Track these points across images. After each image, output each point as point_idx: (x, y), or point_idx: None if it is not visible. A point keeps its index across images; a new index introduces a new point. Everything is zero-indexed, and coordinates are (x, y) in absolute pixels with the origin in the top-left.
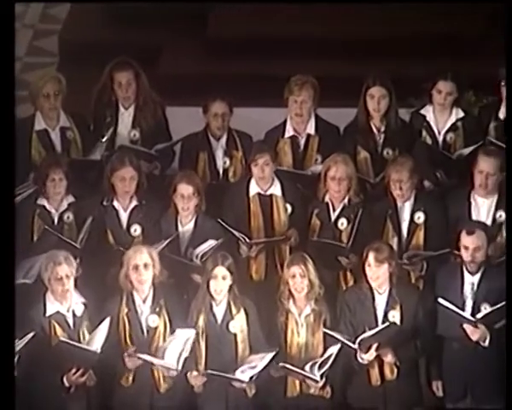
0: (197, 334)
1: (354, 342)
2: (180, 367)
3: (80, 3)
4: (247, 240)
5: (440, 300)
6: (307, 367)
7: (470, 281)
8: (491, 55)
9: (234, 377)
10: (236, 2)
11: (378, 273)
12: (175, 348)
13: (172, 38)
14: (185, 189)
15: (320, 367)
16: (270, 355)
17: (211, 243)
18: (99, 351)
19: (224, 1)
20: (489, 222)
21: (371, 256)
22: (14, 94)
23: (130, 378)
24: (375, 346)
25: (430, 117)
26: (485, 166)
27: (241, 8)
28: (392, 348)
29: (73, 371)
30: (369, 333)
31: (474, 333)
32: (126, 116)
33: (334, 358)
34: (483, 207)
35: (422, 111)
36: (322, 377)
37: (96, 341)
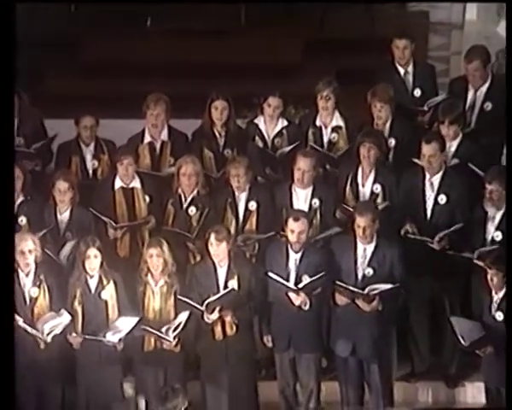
0: (75, 303)
1: (201, 305)
2: (49, 340)
3: None
4: (114, 224)
5: (270, 273)
6: (163, 330)
7: (294, 257)
8: (308, 76)
9: (106, 339)
10: None
11: (219, 251)
12: (51, 324)
13: (52, 63)
14: (62, 185)
15: (174, 331)
16: (135, 320)
17: (71, 243)
18: None
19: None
20: (306, 208)
21: (212, 237)
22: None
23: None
24: (218, 308)
25: (262, 125)
26: (302, 164)
27: (108, 38)
28: (231, 310)
29: None
30: (213, 298)
31: (296, 299)
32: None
33: (185, 323)
34: (301, 197)
35: (256, 120)
36: (174, 338)
37: None
